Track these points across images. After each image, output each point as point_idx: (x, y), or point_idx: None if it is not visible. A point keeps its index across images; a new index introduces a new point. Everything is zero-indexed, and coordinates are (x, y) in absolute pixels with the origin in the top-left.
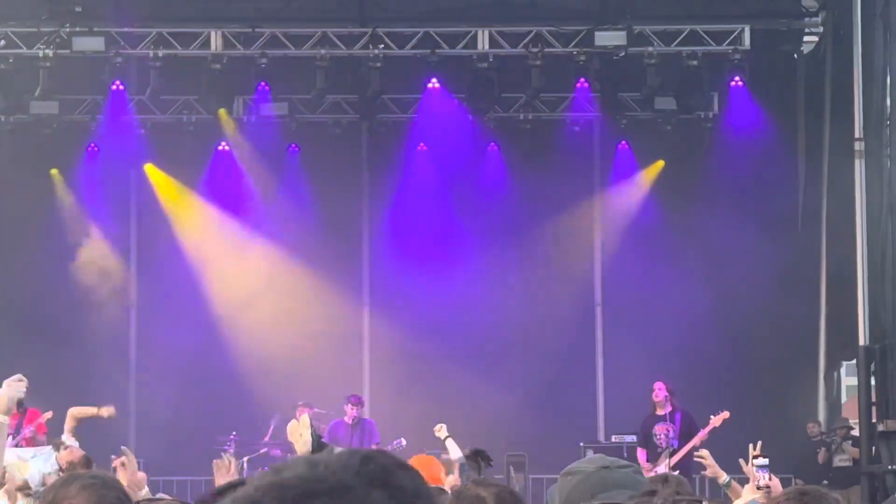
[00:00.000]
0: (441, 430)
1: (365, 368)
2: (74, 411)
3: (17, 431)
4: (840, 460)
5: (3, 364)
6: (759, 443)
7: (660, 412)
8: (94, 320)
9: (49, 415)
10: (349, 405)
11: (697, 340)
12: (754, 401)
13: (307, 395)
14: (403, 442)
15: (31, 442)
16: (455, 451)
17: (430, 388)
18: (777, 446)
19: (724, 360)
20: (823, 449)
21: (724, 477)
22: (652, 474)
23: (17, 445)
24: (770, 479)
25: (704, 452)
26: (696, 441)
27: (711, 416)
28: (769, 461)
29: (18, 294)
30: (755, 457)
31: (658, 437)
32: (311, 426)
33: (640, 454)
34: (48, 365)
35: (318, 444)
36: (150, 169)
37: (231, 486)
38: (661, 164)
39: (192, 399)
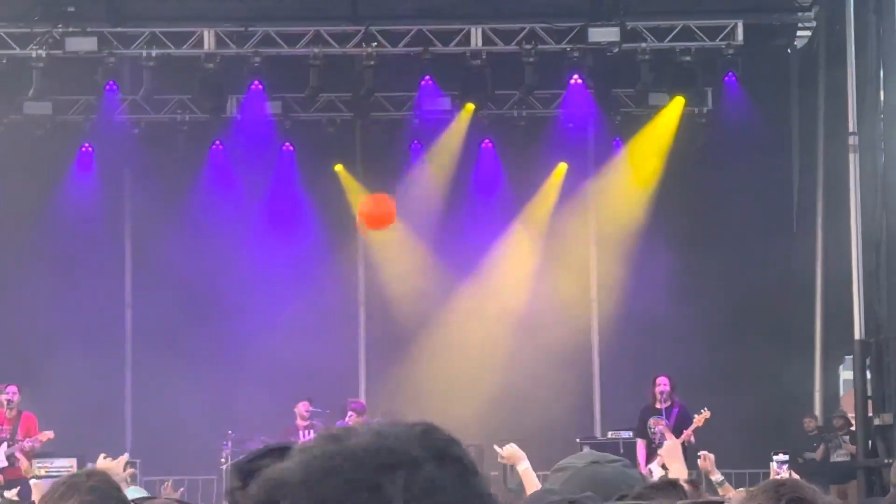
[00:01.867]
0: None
1: (361, 366)
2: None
3: (11, 438)
4: (838, 455)
5: (2, 367)
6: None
7: (658, 405)
8: (88, 320)
9: (50, 435)
10: (351, 413)
11: (693, 336)
12: (751, 396)
13: (304, 394)
14: None
15: (30, 455)
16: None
17: (425, 385)
18: (775, 441)
19: (720, 355)
20: (823, 445)
21: (717, 476)
22: (645, 471)
23: (13, 455)
24: (791, 474)
25: (707, 456)
26: (682, 440)
27: (695, 416)
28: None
29: (12, 297)
30: (776, 453)
31: (653, 430)
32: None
33: (640, 446)
34: (43, 364)
35: None
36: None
37: (277, 451)
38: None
39: (189, 397)
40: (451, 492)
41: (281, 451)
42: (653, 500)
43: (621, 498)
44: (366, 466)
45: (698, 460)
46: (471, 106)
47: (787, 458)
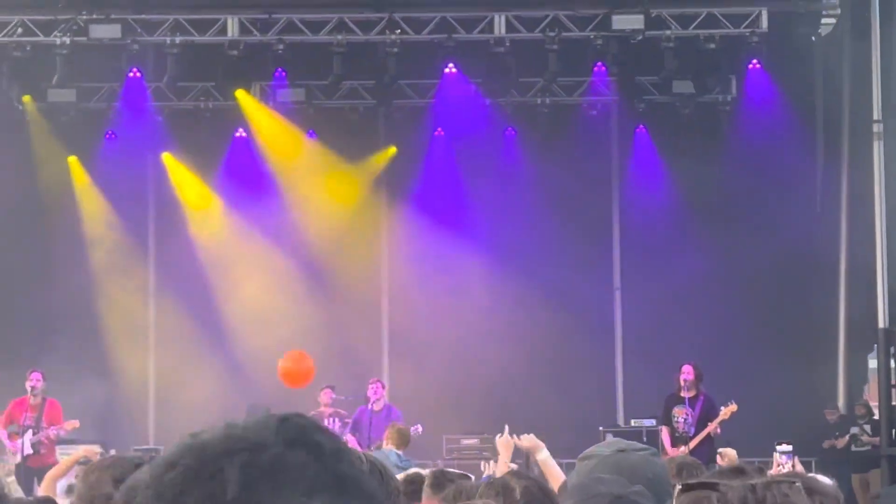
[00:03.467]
0: (533, 447)
1: (384, 353)
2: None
3: (36, 425)
4: (859, 444)
5: (23, 350)
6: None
7: (683, 394)
8: (112, 307)
9: (76, 424)
10: (373, 387)
11: (717, 324)
12: (775, 384)
13: (327, 381)
14: (420, 428)
15: (53, 441)
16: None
17: (448, 374)
18: (798, 430)
19: (743, 343)
20: (848, 435)
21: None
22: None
23: (38, 442)
24: (794, 465)
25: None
26: (707, 431)
27: (722, 408)
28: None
29: (36, 282)
30: (779, 443)
31: (677, 420)
32: None
33: (664, 433)
34: (67, 352)
35: None
36: (167, 158)
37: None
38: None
39: (211, 386)
40: (299, 472)
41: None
42: (717, 484)
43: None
44: (207, 454)
45: (718, 457)
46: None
47: (790, 448)
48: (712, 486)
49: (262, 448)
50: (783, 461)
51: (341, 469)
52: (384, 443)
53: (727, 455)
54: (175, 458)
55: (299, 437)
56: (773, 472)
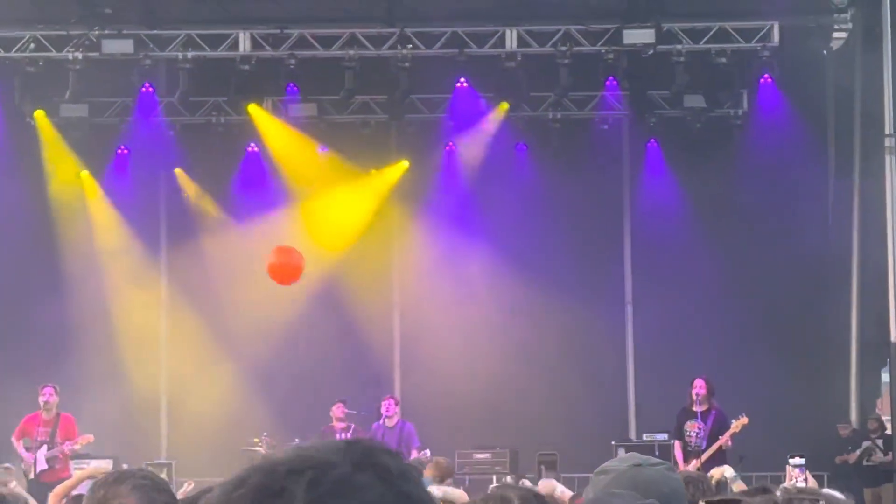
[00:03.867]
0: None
1: (395, 367)
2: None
3: (51, 439)
4: (871, 459)
5: (36, 364)
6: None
7: (695, 408)
8: (124, 322)
9: (90, 438)
10: (386, 404)
11: (728, 338)
12: (787, 398)
13: (340, 395)
14: (428, 453)
15: (67, 456)
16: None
17: (459, 389)
18: (810, 444)
19: (755, 357)
20: (860, 450)
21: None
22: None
23: (53, 457)
24: (807, 478)
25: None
26: (718, 445)
27: (733, 421)
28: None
29: (49, 296)
30: (792, 456)
31: (689, 434)
32: None
33: (677, 447)
34: (80, 366)
35: None
36: (179, 174)
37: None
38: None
39: (224, 399)
40: (365, 492)
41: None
42: (740, 501)
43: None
44: (276, 473)
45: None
46: (505, 105)
47: (803, 461)
48: (735, 502)
49: (330, 468)
50: (796, 474)
51: (407, 489)
52: (424, 472)
53: (715, 475)
54: (244, 476)
55: (366, 458)
56: (786, 484)
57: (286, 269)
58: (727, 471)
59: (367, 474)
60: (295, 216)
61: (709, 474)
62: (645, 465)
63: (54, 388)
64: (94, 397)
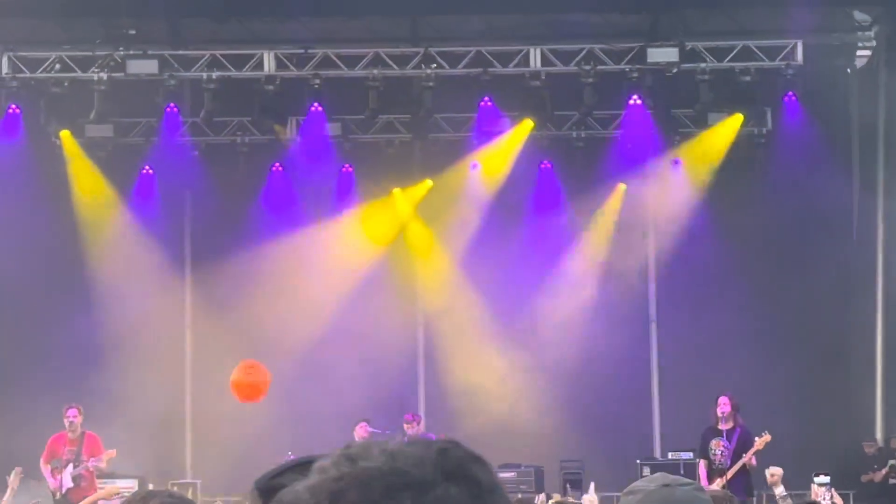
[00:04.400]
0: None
1: (419, 385)
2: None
3: (76, 458)
4: None
5: (61, 383)
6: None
7: (720, 426)
8: (149, 341)
9: (112, 454)
10: (407, 424)
11: (754, 356)
12: (812, 416)
13: (363, 414)
14: None
15: (93, 474)
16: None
17: (483, 407)
18: (836, 463)
19: (780, 375)
20: (886, 468)
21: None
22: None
23: (79, 475)
24: (833, 496)
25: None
26: (742, 462)
27: (756, 438)
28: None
29: (73, 316)
30: (817, 475)
31: (714, 452)
32: None
33: (701, 467)
34: (104, 384)
35: None
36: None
37: (299, 466)
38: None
39: (249, 418)
40: None
41: (303, 467)
42: None
43: None
44: (372, 490)
45: (767, 474)
46: (530, 123)
47: (828, 479)
48: None
49: (426, 488)
50: (822, 493)
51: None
52: None
53: (775, 473)
54: (340, 489)
55: (458, 470)
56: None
57: (252, 387)
58: (778, 490)
59: (461, 490)
60: (318, 236)
61: (767, 471)
62: (674, 486)
63: (79, 408)
64: (118, 416)
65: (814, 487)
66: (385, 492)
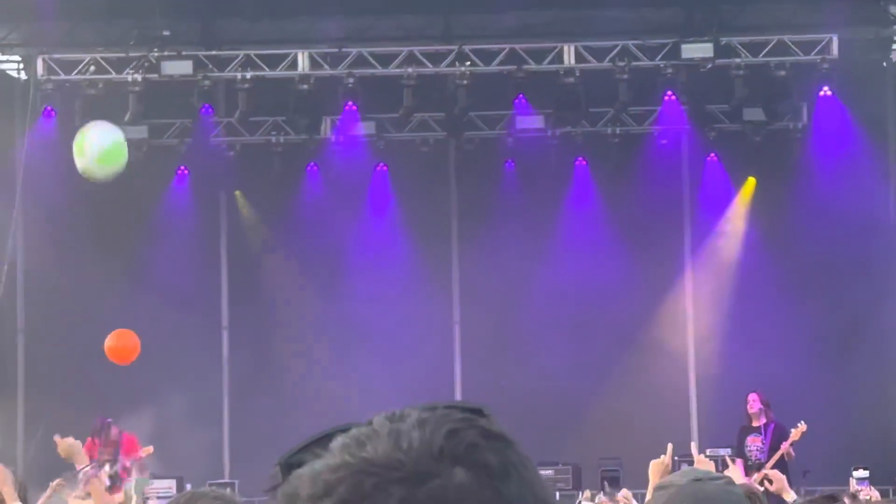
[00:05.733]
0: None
1: (456, 384)
2: None
3: (114, 459)
4: None
5: (97, 379)
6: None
7: (754, 423)
8: (186, 343)
9: (149, 450)
10: None
11: (790, 351)
12: (850, 412)
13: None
14: None
15: (127, 472)
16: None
17: (521, 405)
18: (874, 458)
19: (817, 370)
20: None
21: (790, 496)
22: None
23: (115, 474)
24: (871, 492)
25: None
26: (779, 455)
27: (791, 430)
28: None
29: (109, 320)
30: (856, 469)
31: (749, 449)
32: None
33: (739, 465)
34: (143, 389)
35: None
36: (239, 196)
37: (322, 440)
38: (752, 181)
39: (287, 419)
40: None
41: (325, 441)
42: None
43: None
44: (363, 486)
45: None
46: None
47: (867, 474)
48: None
49: (422, 480)
50: (860, 487)
51: (508, 491)
52: None
53: (776, 478)
54: (334, 483)
55: (466, 455)
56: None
57: (122, 351)
58: (789, 496)
59: (464, 478)
60: (355, 235)
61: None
62: (705, 480)
63: (111, 422)
64: (155, 417)
65: (852, 482)
66: (376, 486)
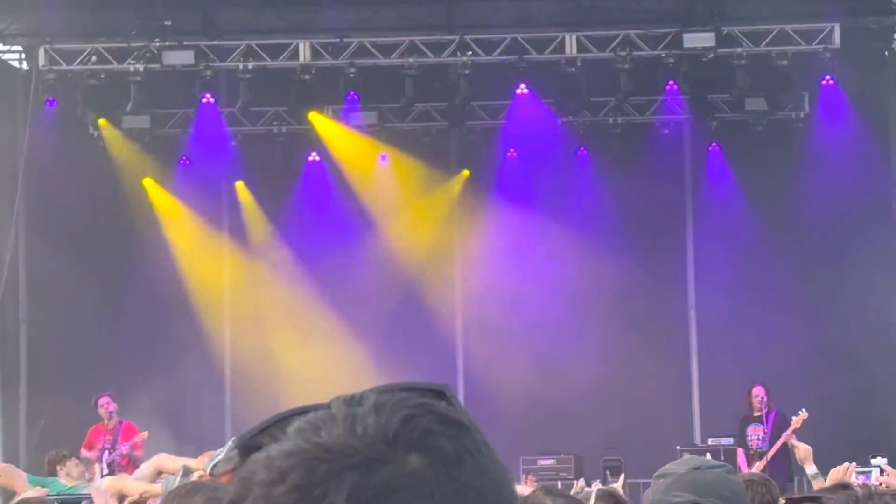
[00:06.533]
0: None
1: (458, 374)
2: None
3: (112, 447)
4: None
5: (101, 375)
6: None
7: (756, 413)
8: (188, 332)
9: (145, 435)
10: None
11: (794, 341)
12: (862, 398)
13: None
14: None
15: (127, 459)
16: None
17: (524, 393)
18: (891, 444)
19: (822, 359)
20: None
21: (812, 468)
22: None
23: (112, 462)
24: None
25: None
26: (781, 441)
27: (793, 418)
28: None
29: (112, 310)
30: (873, 456)
31: (751, 438)
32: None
33: (740, 455)
34: (143, 376)
35: None
36: (240, 187)
37: (280, 422)
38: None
39: (291, 402)
40: (413, 491)
41: (283, 423)
42: (821, 498)
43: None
44: (315, 473)
45: (794, 451)
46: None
47: (884, 461)
48: (816, 500)
49: (376, 466)
50: (877, 475)
51: (463, 477)
52: None
53: (803, 449)
54: (287, 469)
55: (421, 441)
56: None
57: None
58: (809, 468)
59: (417, 466)
60: (356, 226)
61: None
62: (704, 468)
63: (111, 395)
64: (156, 408)
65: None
66: (329, 473)
